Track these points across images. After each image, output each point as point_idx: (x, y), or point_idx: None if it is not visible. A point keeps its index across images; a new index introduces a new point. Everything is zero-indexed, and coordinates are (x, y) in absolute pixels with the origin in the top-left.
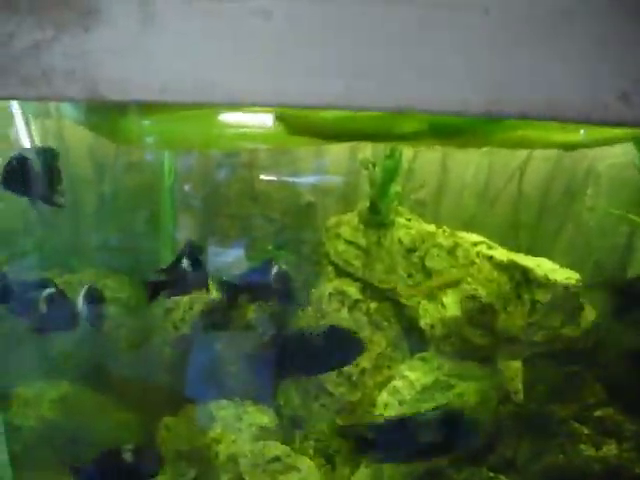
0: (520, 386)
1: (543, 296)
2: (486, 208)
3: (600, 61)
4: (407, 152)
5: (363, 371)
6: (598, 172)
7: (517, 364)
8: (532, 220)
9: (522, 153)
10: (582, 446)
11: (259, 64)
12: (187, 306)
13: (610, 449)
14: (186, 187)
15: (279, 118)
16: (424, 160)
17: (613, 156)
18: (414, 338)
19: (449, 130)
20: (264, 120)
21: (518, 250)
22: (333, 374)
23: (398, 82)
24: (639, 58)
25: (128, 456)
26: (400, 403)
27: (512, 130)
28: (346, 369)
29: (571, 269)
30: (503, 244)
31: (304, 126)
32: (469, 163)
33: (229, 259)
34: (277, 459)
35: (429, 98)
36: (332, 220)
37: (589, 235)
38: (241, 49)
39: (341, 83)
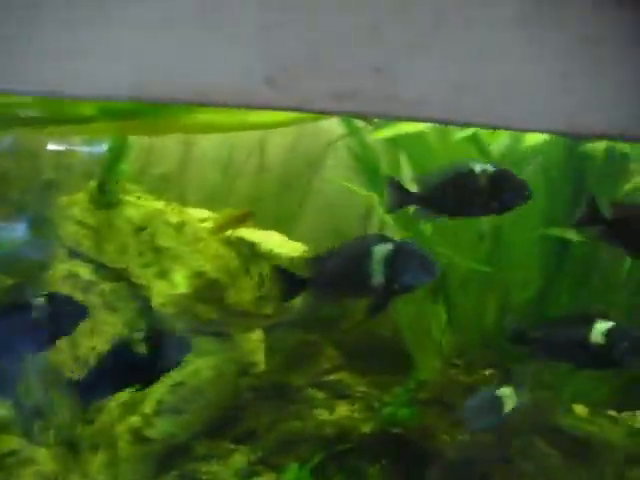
0: (262, 357)
1: (270, 269)
2: (229, 181)
3: (246, 46)
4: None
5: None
6: (336, 146)
7: (258, 336)
8: (275, 191)
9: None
10: (317, 410)
11: None
12: None
13: (342, 411)
14: None
15: None
16: (167, 136)
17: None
18: (150, 317)
19: (122, 114)
20: None
21: (262, 222)
22: (70, 358)
23: None
24: (283, 44)
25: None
26: None
27: (192, 114)
28: (82, 353)
29: (311, 239)
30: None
31: None
32: (211, 139)
33: None
34: (12, 453)
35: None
36: (63, 200)
37: (329, 205)
38: None
39: None
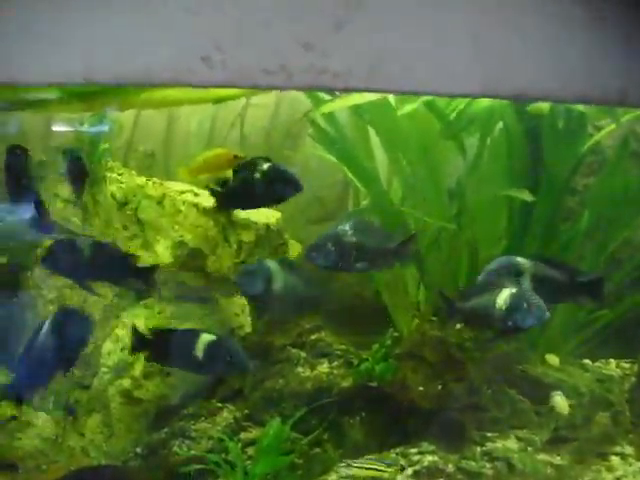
0: (247, 320)
1: (247, 237)
2: None
3: (181, 28)
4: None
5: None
6: (313, 119)
7: (243, 300)
8: None
9: (242, 101)
10: (299, 368)
11: None
12: None
13: (323, 368)
14: None
15: None
16: (149, 114)
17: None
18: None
19: (84, 96)
20: None
21: None
22: None
23: None
24: (215, 24)
25: None
26: (122, 349)
27: (150, 91)
28: None
29: (292, 207)
30: None
31: None
32: (194, 113)
33: None
34: (13, 417)
35: None
36: (50, 179)
37: (308, 174)
38: None
39: None
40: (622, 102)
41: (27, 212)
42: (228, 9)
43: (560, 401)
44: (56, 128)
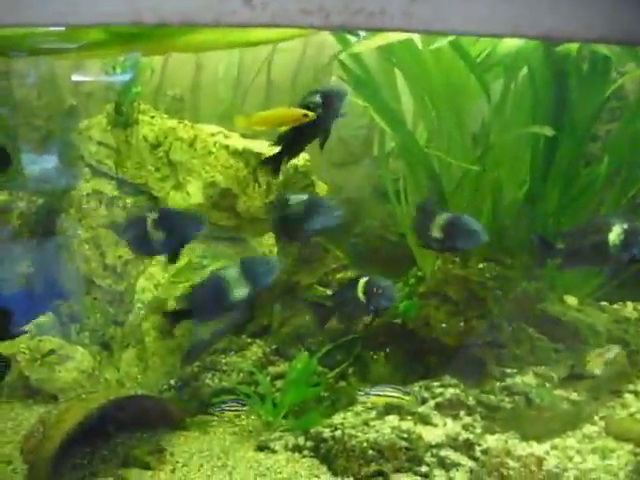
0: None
1: (276, 178)
2: (240, 98)
3: None
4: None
5: (126, 263)
6: (342, 60)
7: (270, 240)
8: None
9: (268, 47)
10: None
11: None
12: None
13: None
14: None
15: None
16: (177, 60)
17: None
18: None
19: (126, 38)
20: None
21: (272, 135)
22: (99, 267)
23: None
24: None
25: None
26: (155, 287)
27: (190, 35)
28: (110, 262)
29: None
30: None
31: None
32: (221, 59)
33: None
34: (52, 352)
35: None
36: (84, 123)
37: None
38: None
39: None
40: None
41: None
42: None
43: (618, 353)
44: (85, 74)
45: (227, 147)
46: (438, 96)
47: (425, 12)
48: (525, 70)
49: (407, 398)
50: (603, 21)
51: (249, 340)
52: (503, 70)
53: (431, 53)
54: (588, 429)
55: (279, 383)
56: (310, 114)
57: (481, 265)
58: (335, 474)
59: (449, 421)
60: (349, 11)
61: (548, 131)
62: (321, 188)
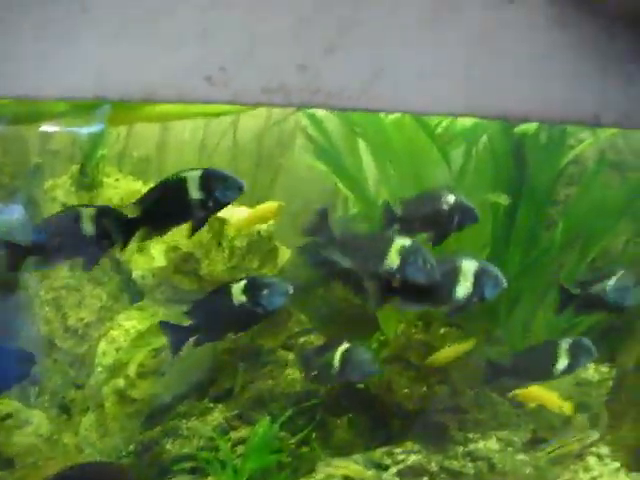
0: None
1: (240, 242)
2: (205, 161)
3: (186, 50)
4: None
5: (87, 324)
6: (303, 126)
7: None
8: (248, 170)
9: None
10: (288, 370)
11: None
12: None
13: None
14: None
15: None
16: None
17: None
18: (133, 289)
19: (90, 109)
20: None
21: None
22: (60, 329)
23: None
24: (218, 47)
25: None
26: (116, 350)
27: (153, 106)
28: (71, 324)
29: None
30: None
31: None
32: (187, 121)
33: None
34: (9, 416)
35: None
36: (48, 183)
37: (299, 182)
38: None
39: None
40: (597, 123)
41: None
42: (230, 33)
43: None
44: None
45: None
46: (400, 163)
47: (384, 92)
48: (485, 139)
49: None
50: (561, 102)
51: (211, 404)
52: (464, 138)
53: (392, 122)
54: None
55: (240, 449)
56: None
57: (442, 330)
58: None
59: None
60: (309, 90)
61: (504, 200)
62: (284, 253)
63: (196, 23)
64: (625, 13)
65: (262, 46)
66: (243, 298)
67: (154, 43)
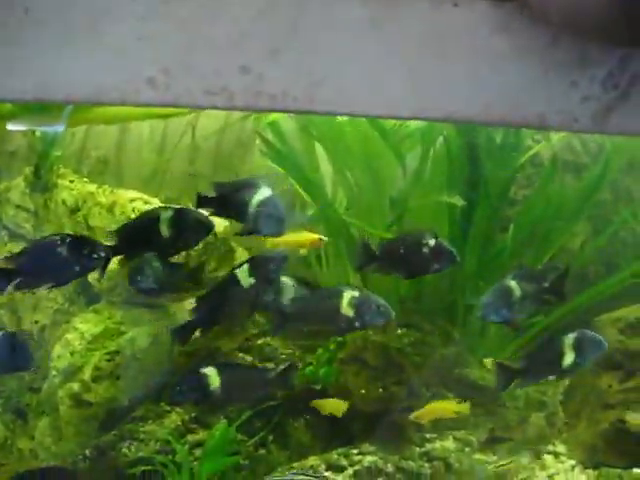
0: None
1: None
2: (164, 162)
3: (130, 54)
4: (85, 115)
5: (43, 328)
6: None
7: (190, 305)
8: (208, 171)
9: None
10: None
11: None
12: None
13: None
14: None
15: None
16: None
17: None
18: (89, 292)
19: (37, 111)
20: None
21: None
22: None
23: None
24: (161, 51)
25: None
26: (71, 354)
27: (102, 108)
28: (26, 327)
29: None
30: (182, 194)
31: None
32: (145, 122)
33: None
34: None
35: None
36: (2, 184)
37: None
38: None
39: None
40: (541, 126)
41: None
42: (172, 36)
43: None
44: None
45: None
46: (357, 165)
47: (328, 95)
48: (441, 139)
49: None
50: (506, 105)
51: (167, 408)
52: (419, 140)
53: (348, 123)
54: None
55: (197, 452)
56: (324, 239)
57: (399, 331)
58: None
59: None
60: (251, 92)
61: (458, 201)
62: (242, 254)
63: (139, 26)
64: (567, 20)
65: (204, 49)
66: (252, 280)
67: (97, 46)
